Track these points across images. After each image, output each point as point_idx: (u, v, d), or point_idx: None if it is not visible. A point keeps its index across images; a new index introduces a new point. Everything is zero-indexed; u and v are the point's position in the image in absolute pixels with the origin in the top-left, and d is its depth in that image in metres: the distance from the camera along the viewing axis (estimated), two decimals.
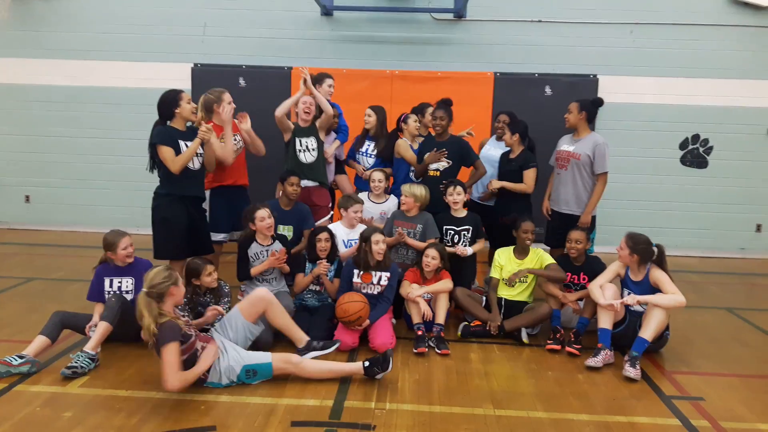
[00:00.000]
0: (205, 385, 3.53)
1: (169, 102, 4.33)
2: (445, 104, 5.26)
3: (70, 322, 3.98)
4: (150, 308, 3.32)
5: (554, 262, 4.66)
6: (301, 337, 4.00)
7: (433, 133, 5.39)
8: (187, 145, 4.31)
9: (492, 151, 5.67)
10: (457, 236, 5.00)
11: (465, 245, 4.97)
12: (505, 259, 4.77)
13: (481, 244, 5.08)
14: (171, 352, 3.27)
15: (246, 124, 4.98)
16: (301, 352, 3.93)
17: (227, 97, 4.80)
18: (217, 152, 4.56)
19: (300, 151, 5.10)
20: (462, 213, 5.04)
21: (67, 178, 8.11)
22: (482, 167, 5.39)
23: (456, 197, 4.96)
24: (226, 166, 4.79)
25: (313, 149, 5.16)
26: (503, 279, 4.73)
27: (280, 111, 5.14)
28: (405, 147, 5.46)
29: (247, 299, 3.96)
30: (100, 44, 7.86)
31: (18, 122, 8.04)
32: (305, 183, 5.14)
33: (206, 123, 4.56)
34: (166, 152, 4.22)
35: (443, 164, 5.23)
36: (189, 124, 4.50)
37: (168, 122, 4.38)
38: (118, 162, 7.99)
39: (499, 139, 5.60)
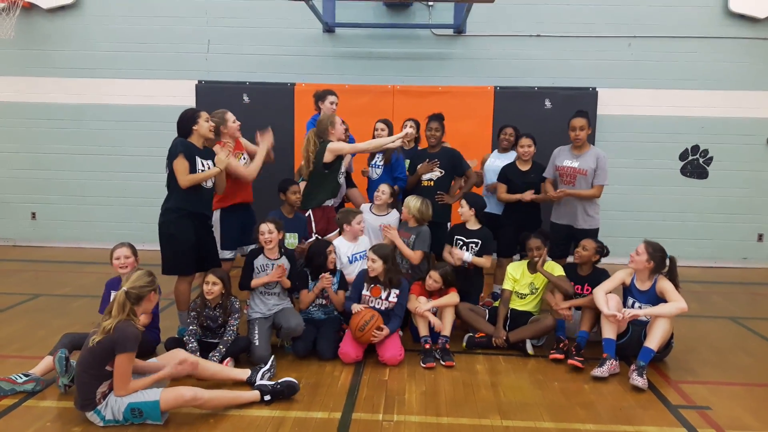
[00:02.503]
0: (90, 413, 3.28)
1: (187, 119, 4.43)
2: (439, 118, 5.44)
3: (78, 342, 3.93)
4: (123, 308, 3.24)
5: (564, 274, 4.68)
6: (237, 374, 3.82)
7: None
8: (203, 163, 4.40)
9: (498, 162, 5.77)
10: (465, 247, 5.02)
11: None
12: (519, 273, 4.80)
13: (488, 260, 5.01)
14: (128, 361, 3.22)
15: (269, 139, 5.05)
16: (252, 378, 3.78)
17: (230, 116, 4.96)
18: (242, 172, 4.87)
19: (341, 174, 5.25)
20: (475, 226, 5.07)
21: (71, 195, 8.15)
22: (473, 176, 5.58)
23: (459, 210, 5.05)
24: (238, 185, 4.90)
25: (342, 172, 5.31)
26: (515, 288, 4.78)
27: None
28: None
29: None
30: (104, 62, 7.93)
31: (23, 140, 8.10)
32: (329, 202, 5.23)
33: (218, 144, 4.73)
34: (180, 164, 4.28)
35: (436, 174, 5.38)
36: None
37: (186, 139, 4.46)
38: (123, 179, 8.04)
39: (504, 150, 5.81)
